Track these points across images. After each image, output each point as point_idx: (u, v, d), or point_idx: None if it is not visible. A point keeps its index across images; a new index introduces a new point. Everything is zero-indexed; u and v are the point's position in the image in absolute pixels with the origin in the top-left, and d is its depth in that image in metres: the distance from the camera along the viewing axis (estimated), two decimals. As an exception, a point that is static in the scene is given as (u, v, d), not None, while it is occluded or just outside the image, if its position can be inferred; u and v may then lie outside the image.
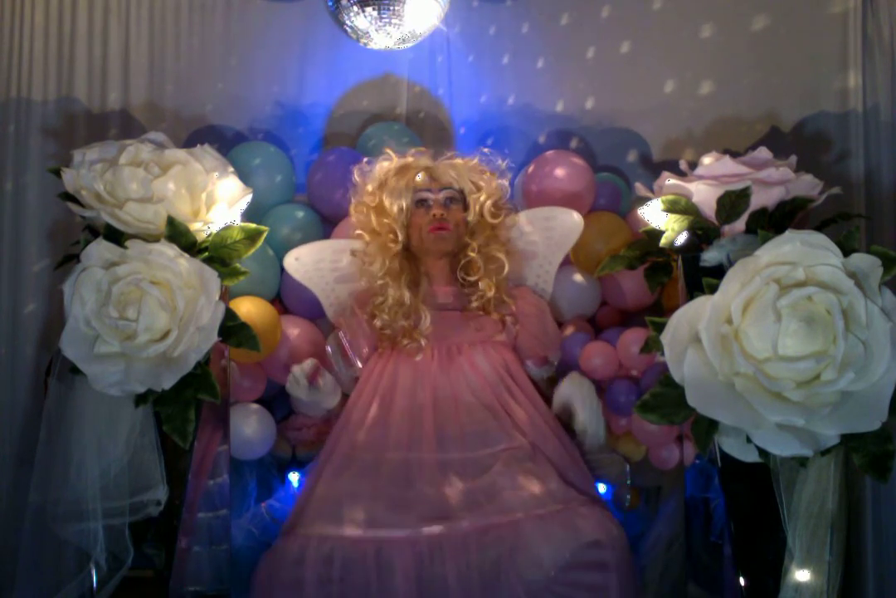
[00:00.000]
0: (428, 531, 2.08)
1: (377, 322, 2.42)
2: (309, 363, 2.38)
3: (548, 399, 2.41)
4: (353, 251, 2.51)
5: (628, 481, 2.49)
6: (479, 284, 2.43)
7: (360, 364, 2.44)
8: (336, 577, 2.04)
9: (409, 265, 2.45)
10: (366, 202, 2.47)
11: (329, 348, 2.47)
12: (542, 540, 2.03)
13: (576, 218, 2.52)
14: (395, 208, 2.42)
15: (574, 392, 2.34)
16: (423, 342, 2.38)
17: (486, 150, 2.52)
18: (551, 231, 2.54)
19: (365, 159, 2.53)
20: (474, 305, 2.44)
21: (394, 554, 2.05)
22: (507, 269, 2.45)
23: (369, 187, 2.47)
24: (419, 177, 2.44)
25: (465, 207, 2.47)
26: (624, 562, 2.04)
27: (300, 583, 2.04)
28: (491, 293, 2.43)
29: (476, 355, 2.39)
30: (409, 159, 2.48)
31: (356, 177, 2.50)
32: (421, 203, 2.44)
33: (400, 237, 2.43)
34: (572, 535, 2.03)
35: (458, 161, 2.50)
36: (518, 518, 2.08)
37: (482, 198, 2.45)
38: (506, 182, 2.51)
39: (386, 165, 2.48)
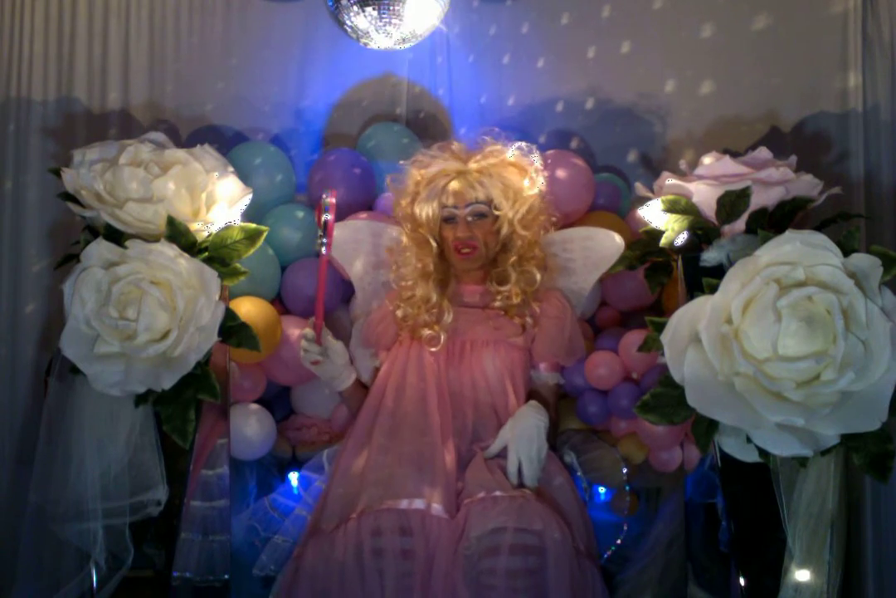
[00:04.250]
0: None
1: (399, 313, 2.47)
2: (309, 329, 2.37)
3: (547, 405, 2.41)
4: (388, 249, 2.55)
5: (626, 486, 2.48)
6: (507, 290, 2.44)
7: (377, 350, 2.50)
8: (407, 546, 2.07)
9: (440, 266, 2.48)
10: (402, 208, 2.49)
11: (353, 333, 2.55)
12: (479, 518, 2.06)
13: (617, 241, 2.49)
14: (425, 218, 2.43)
15: (509, 440, 2.29)
16: (443, 337, 2.41)
17: (523, 144, 2.46)
18: (589, 251, 2.53)
19: (401, 162, 2.51)
20: (497, 304, 2.45)
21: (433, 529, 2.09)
22: (538, 283, 2.45)
23: (403, 201, 2.48)
24: (445, 196, 2.41)
25: (497, 216, 2.43)
26: (557, 558, 2.03)
27: (380, 552, 2.05)
28: (516, 301, 2.44)
29: (486, 354, 2.42)
30: (439, 167, 2.44)
31: (388, 182, 2.53)
32: (448, 220, 2.44)
33: (434, 246, 2.46)
34: (509, 517, 2.05)
35: (492, 163, 2.42)
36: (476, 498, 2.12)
37: (511, 211, 2.41)
38: (542, 179, 2.46)
39: (419, 174, 2.47)
